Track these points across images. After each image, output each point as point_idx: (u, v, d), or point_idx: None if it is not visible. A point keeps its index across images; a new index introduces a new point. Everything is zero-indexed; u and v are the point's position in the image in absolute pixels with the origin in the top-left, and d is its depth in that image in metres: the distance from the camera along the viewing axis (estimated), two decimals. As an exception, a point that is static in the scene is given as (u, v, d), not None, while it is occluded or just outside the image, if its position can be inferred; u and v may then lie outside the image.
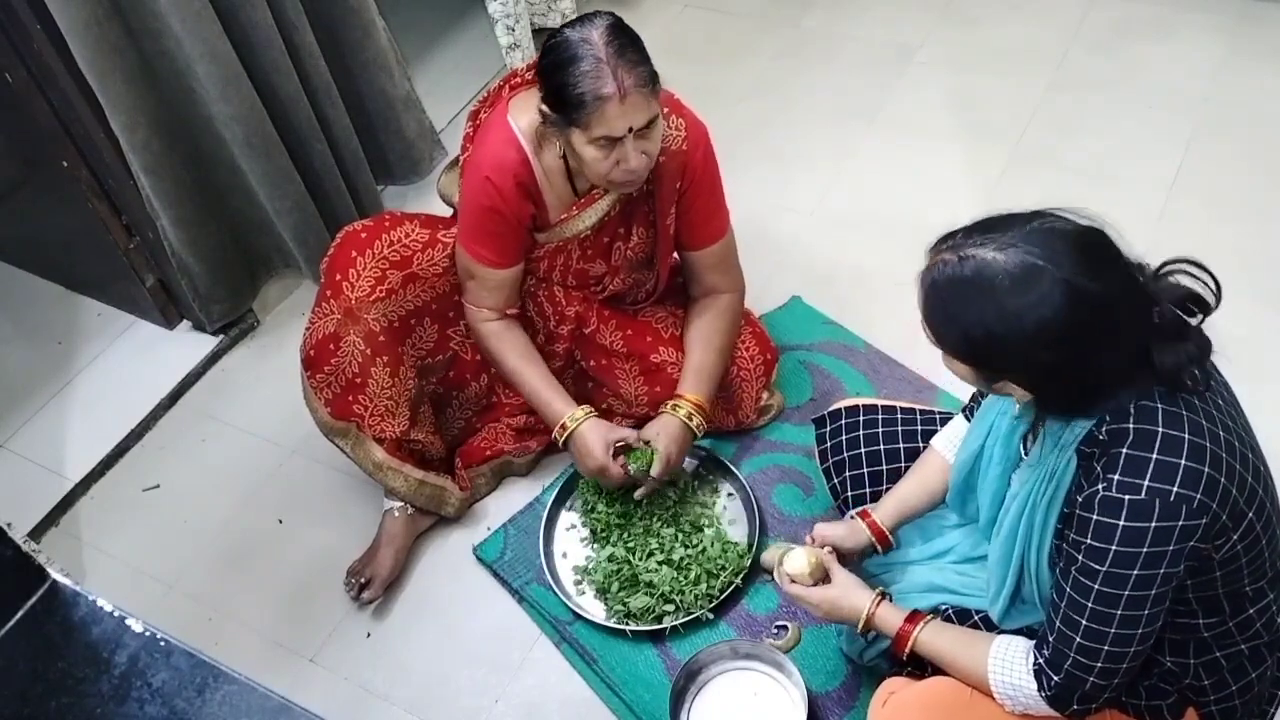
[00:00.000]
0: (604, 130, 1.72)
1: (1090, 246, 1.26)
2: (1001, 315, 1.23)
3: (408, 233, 2.02)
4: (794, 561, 1.68)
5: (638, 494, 2.03)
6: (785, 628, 1.97)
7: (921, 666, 1.59)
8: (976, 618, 1.60)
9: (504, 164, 1.86)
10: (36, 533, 2.33)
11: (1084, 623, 1.33)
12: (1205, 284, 1.29)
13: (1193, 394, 1.30)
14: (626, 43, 1.71)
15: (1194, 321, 1.30)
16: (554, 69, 1.71)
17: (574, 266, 2.05)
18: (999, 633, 1.52)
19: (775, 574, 1.72)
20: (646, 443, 2.00)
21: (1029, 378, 1.30)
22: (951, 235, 1.31)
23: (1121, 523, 1.27)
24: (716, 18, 3.41)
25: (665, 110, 1.82)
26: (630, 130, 1.72)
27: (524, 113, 1.85)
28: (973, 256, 1.26)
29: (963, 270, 1.26)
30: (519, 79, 1.93)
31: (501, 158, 1.86)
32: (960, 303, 1.27)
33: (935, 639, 1.54)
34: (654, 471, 1.98)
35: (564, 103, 1.71)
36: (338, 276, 1.97)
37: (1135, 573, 1.28)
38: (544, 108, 1.77)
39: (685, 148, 1.92)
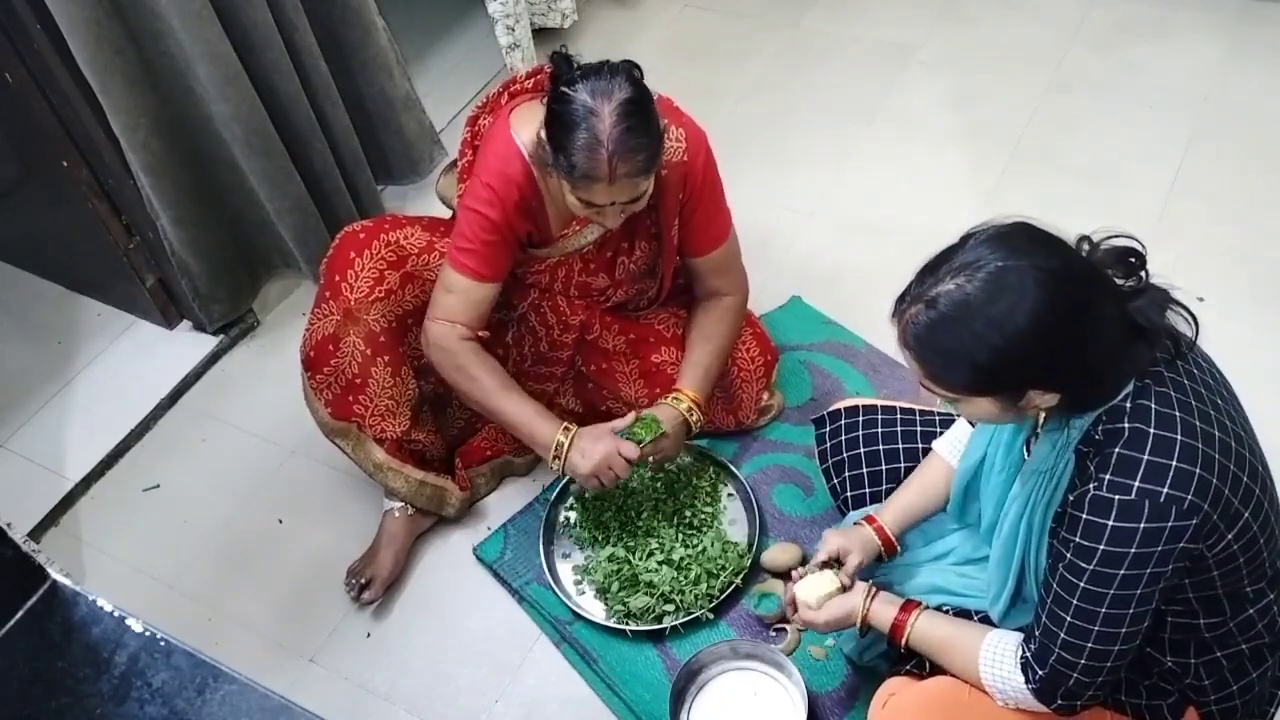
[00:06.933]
0: (588, 198, 1.74)
1: (1032, 235, 1.28)
2: (995, 326, 1.23)
3: (406, 235, 2.01)
4: (807, 590, 1.66)
5: (645, 452, 1.93)
6: (784, 630, 1.97)
7: (921, 666, 1.59)
8: (976, 618, 1.60)
9: (508, 178, 1.84)
10: (36, 533, 2.33)
11: (1069, 619, 1.33)
12: (1129, 238, 1.32)
13: (1187, 359, 1.32)
14: (634, 125, 1.66)
15: (1142, 275, 1.32)
16: (559, 123, 1.69)
17: (576, 279, 2.04)
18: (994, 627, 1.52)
19: (784, 592, 1.72)
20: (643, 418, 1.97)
21: (1049, 378, 1.28)
22: (905, 294, 1.32)
23: (1111, 522, 1.27)
24: (716, 18, 3.41)
25: (664, 122, 1.80)
26: (613, 202, 1.75)
27: (527, 126, 1.82)
28: (940, 295, 1.26)
29: (938, 310, 1.26)
30: (518, 86, 1.92)
31: (506, 172, 1.84)
32: (952, 339, 1.27)
33: (930, 629, 1.54)
34: (664, 427, 1.95)
35: (559, 154, 1.70)
36: (336, 277, 1.97)
37: (1122, 572, 1.28)
38: (544, 135, 1.74)
39: (686, 158, 1.90)
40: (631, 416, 1.97)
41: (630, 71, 1.70)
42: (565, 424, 1.95)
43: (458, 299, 1.92)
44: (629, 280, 2.08)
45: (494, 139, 1.87)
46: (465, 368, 1.95)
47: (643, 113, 1.68)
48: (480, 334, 1.97)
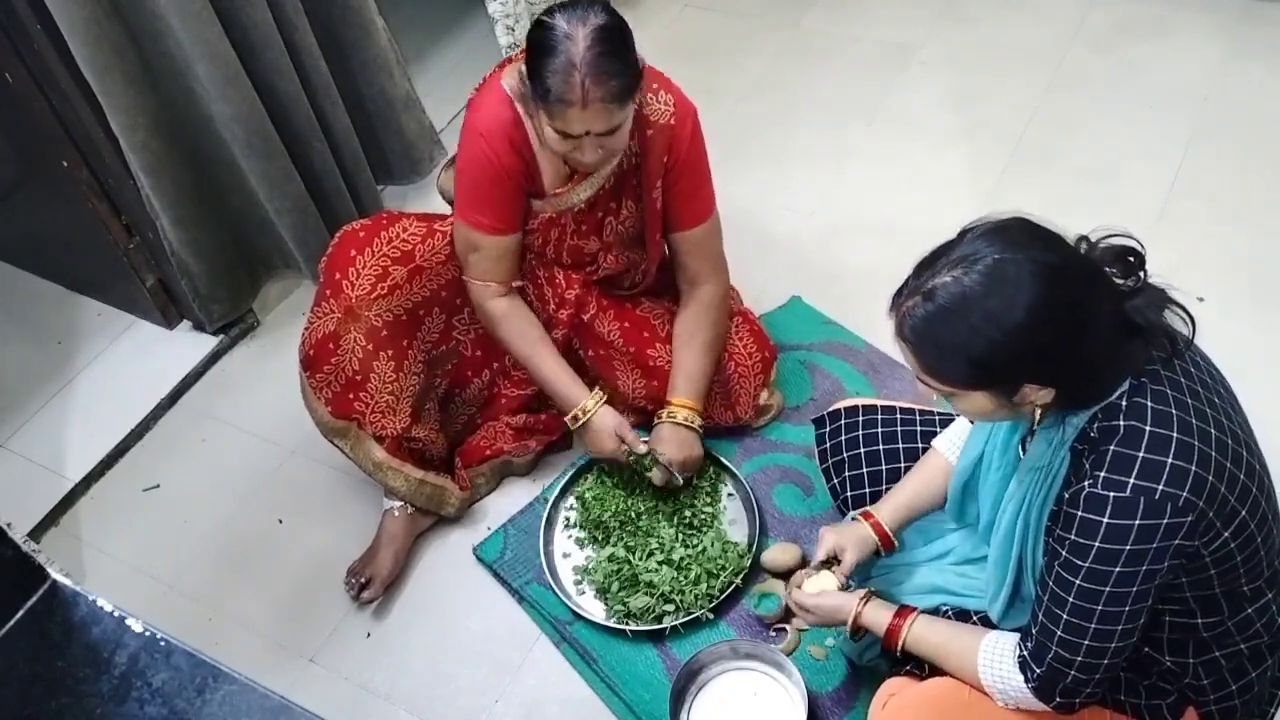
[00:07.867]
0: (563, 127, 1.76)
1: (1030, 230, 1.29)
2: (992, 320, 1.23)
3: (405, 227, 2.03)
4: (813, 586, 1.68)
5: (655, 478, 2.04)
6: (784, 630, 1.97)
7: (921, 667, 1.59)
8: (976, 618, 1.60)
9: (498, 122, 1.88)
10: (36, 533, 2.33)
11: (1065, 617, 1.33)
12: (1128, 237, 1.32)
13: (1183, 358, 1.32)
14: (608, 50, 1.69)
15: (1141, 274, 1.32)
16: (535, 51, 1.73)
17: (568, 242, 2.06)
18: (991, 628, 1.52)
19: (788, 587, 1.73)
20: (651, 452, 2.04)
21: (1044, 372, 1.28)
22: (902, 287, 1.32)
23: (1106, 520, 1.27)
24: (716, 18, 3.41)
25: (654, 86, 1.85)
26: (588, 133, 1.76)
27: (513, 75, 1.87)
28: (938, 287, 1.26)
29: (936, 302, 1.26)
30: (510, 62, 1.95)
31: (495, 116, 1.88)
32: (949, 331, 1.26)
33: (926, 633, 1.54)
34: (673, 468, 2.04)
35: (535, 81, 1.74)
36: (337, 275, 1.98)
37: (1117, 570, 1.28)
38: (524, 70, 1.78)
39: (673, 122, 1.93)
40: (641, 449, 2.04)
41: (607, 4, 1.74)
42: (591, 397, 2.05)
43: (482, 256, 1.99)
44: (617, 244, 2.10)
45: (484, 91, 1.92)
46: (501, 333, 2.06)
47: (618, 39, 1.72)
48: (514, 285, 2.05)
